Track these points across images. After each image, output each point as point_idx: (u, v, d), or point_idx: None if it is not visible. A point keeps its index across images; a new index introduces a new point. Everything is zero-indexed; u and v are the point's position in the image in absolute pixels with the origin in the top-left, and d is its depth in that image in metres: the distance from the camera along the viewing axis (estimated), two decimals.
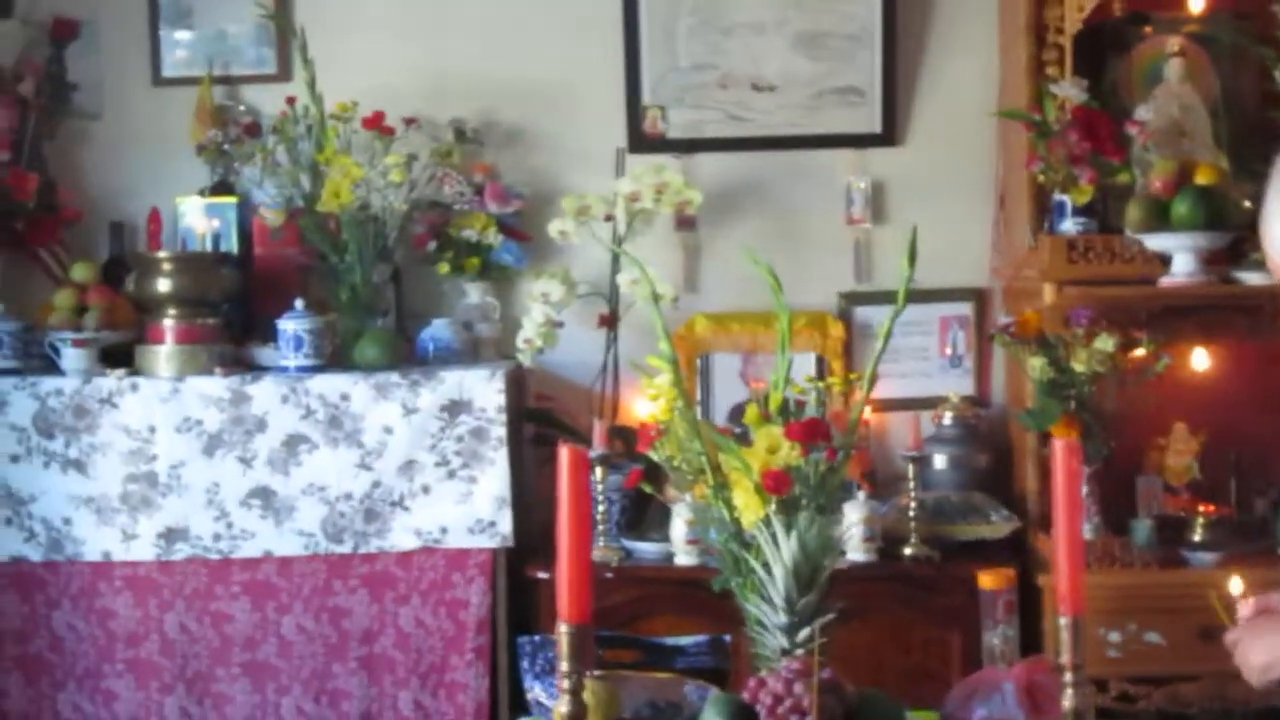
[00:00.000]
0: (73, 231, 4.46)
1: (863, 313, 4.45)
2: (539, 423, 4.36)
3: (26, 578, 4.03)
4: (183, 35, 4.52)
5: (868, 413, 4.29)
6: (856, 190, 4.48)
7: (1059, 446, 2.29)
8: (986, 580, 2.81)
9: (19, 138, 4.32)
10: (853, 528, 3.88)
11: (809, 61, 4.45)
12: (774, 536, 2.70)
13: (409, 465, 3.98)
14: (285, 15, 4.42)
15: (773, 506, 2.71)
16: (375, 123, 4.18)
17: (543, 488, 4.28)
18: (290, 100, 4.24)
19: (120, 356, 4.12)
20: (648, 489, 3.04)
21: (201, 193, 4.37)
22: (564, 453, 2.45)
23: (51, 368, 4.09)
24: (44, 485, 4.00)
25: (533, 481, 4.31)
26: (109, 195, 4.51)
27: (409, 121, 4.28)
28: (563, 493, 2.43)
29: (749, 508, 2.81)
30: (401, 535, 3.99)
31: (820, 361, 4.40)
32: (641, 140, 4.47)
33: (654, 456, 2.91)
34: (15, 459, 4.00)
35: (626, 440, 4.14)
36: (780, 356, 2.97)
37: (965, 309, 4.49)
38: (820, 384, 3.36)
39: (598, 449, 3.98)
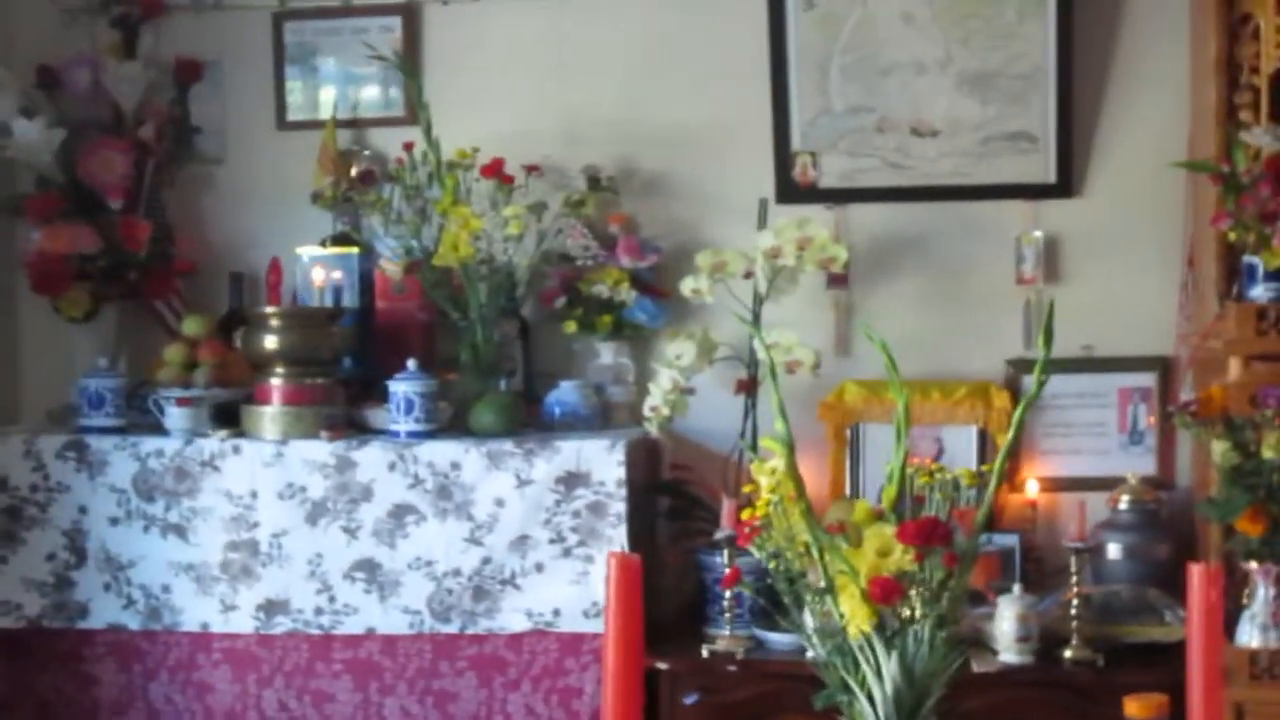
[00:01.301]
0: (193, 282, 4.29)
1: (1032, 382, 4.01)
2: (671, 495, 4.02)
3: (125, 646, 3.85)
4: (308, 77, 4.32)
5: (1034, 494, 3.93)
6: (1028, 246, 4.07)
7: (1195, 573, 1.90)
8: (1134, 708, 2.43)
9: (136, 184, 4.14)
10: (1005, 625, 3.47)
11: (976, 104, 4.06)
12: (875, 655, 2.36)
13: (521, 541, 3.68)
14: (410, 57, 4.17)
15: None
16: (494, 170, 3.89)
17: (675, 566, 3.98)
18: (408, 146, 3.98)
19: (234, 416, 3.90)
20: (746, 590, 2.70)
21: (323, 243, 4.13)
22: (612, 561, 2.13)
23: (159, 427, 3.88)
24: (143, 550, 3.81)
25: (667, 559, 3.99)
26: (230, 244, 4.32)
27: (530, 169, 4.00)
28: (611, 608, 2.12)
29: (856, 617, 2.47)
30: (512, 616, 3.69)
31: (982, 436, 3.98)
32: (791, 189, 4.12)
33: (755, 553, 2.58)
34: (115, 522, 3.82)
35: None
36: (897, 445, 2.63)
37: (1148, 380, 4.05)
38: (944, 474, 2.94)
39: (725, 529, 3.62)
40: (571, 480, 3.67)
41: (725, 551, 3.61)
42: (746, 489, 2.53)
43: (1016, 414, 2.53)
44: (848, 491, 4.01)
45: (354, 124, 4.28)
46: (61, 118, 4.14)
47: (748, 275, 3.88)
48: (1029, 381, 3.97)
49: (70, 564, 3.83)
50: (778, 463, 2.68)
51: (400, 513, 3.71)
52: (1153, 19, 4.07)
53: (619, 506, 3.66)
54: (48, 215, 4.08)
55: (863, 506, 2.56)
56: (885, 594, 2.41)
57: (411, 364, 3.78)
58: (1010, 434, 2.53)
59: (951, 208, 4.13)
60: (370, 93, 4.30)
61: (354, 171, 4.17)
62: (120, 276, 4.14)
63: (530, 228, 3.93)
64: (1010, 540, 3.84)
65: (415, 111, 4.03)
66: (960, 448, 3.96)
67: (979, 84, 4.05)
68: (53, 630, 3.84)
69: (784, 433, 2.65)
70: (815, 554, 2.57)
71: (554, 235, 4.03)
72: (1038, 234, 4.07)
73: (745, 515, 2.63)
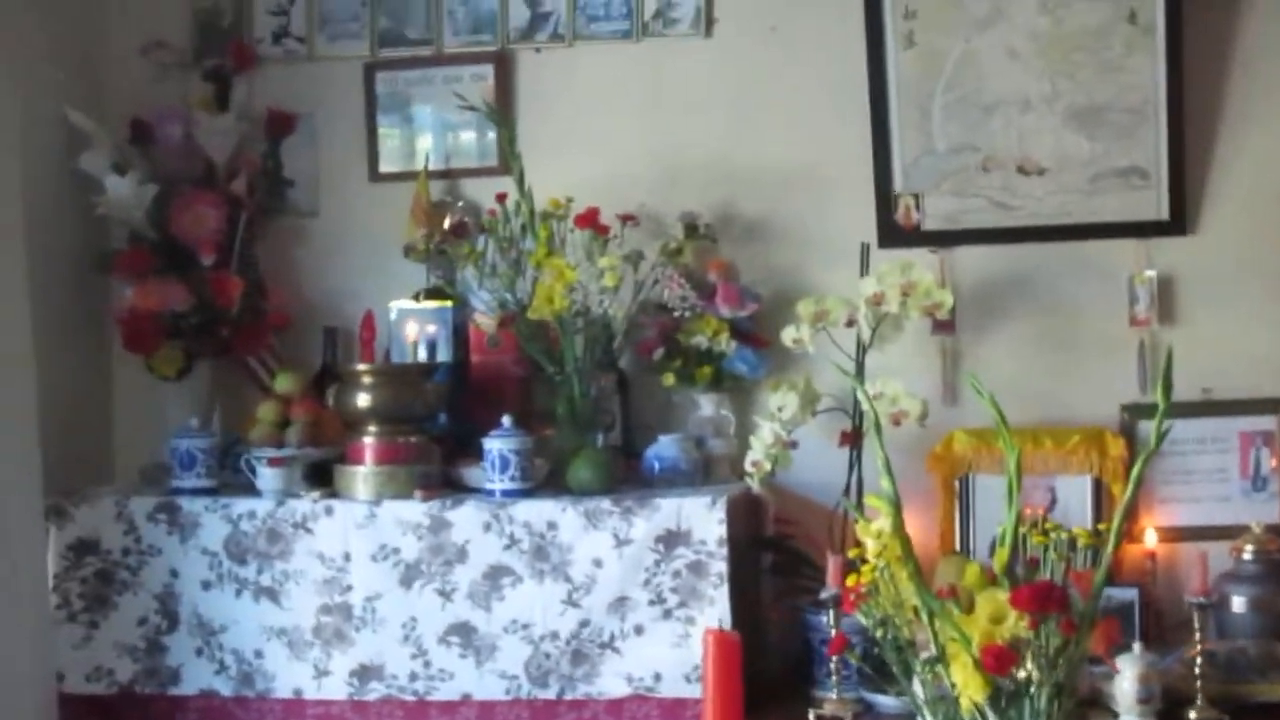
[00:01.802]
0: (287, 336, 4.23)
1: (1149, 428, 3.85)
2: (775, 551, 3.90)
3: (217, 712, 3.77)
4: (401, 126, 4.26)
5: (1152, 544, 3.77)
6: (1141, 286, 3.93)
7: None
8: None
9: (228, 239, 4.09)
10: (1125, 685, 3.31)
11: (1084, 140, 3.92)
12: None
13: (620, 603, 3.56)
14: (503, 105, 4.11)
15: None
16: (589, 221, 3.81)
17: (780, 623, 3.85)
18: (500, 197, 3.90)
19: (327, 475, 3.83)
20: (853, 659, 2.58)
21: (416, 296, 4.07)
22: (709, 639, 2.02)
23: (252, 487, 3.81)
24: (235, 614, 3.74)
25: (770, 616, 3.86)
26: (324, 298, 4.27)
27: (626, 219, 3.91)
28: (708, 685, 2.01)
29: (968, 687, 2.35)
30: (611, 681, 3.57)
31: (1097, 486, 3.83)
32: (894, 232, 4.00)
33: (862, 620, 2.47)
34: (206, 585, 3.75)
35: None
36: (1009, 505, 2.51)
37: (1269, 423, 3.89)
38: (1059, 533, 2.78)
39: (831, 588, 3.49)
40: (671, 539, 3.55)
41: (831, 612, 3.48)
42: (853, 553, 2.41)
43: (1135, 470, 2.40)
44: (957, 545, 3.87)
45: (447, 175, 4.22)
46: (154, 172, 4.11)
47: (850, 323, 3.77)
48: (1145, 427, 3.86)
49: (162, 628, 3.77)
50: (884, 523, 2.56)
51: (496, 574, 3.62)
52: (1266, 48, 3.94)
53: (720, 566, 3.53)
54: (139, 272, 4.05)
55: (974, 569, 2.45)
56: (999, 663, 2.30)
57: (506, 420, 3.69)
58: (1129, 491, 2.40)
59: (1061, 248, 3.99)
60: (464, 139, 4.22)
61: (447, 223, 4.10)
62: (212, 333, 4.10)
63: (626, 278, 3.84)
64: (1129, 594, 3.67)
65: (508, 161, 3.96)
66: (1074, 498, 3.82)
67: (1087, 119, 3.92)
68: (145, 696, 3.79)
69: (890, 491, 2.54)
70: (925, 619, 2.46)
71: (651, 285, 3.93)
72: (1150, 273, 3.93)
73: (851, 581, 2.51)
